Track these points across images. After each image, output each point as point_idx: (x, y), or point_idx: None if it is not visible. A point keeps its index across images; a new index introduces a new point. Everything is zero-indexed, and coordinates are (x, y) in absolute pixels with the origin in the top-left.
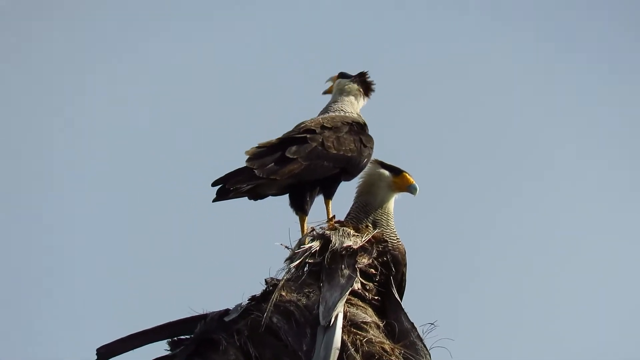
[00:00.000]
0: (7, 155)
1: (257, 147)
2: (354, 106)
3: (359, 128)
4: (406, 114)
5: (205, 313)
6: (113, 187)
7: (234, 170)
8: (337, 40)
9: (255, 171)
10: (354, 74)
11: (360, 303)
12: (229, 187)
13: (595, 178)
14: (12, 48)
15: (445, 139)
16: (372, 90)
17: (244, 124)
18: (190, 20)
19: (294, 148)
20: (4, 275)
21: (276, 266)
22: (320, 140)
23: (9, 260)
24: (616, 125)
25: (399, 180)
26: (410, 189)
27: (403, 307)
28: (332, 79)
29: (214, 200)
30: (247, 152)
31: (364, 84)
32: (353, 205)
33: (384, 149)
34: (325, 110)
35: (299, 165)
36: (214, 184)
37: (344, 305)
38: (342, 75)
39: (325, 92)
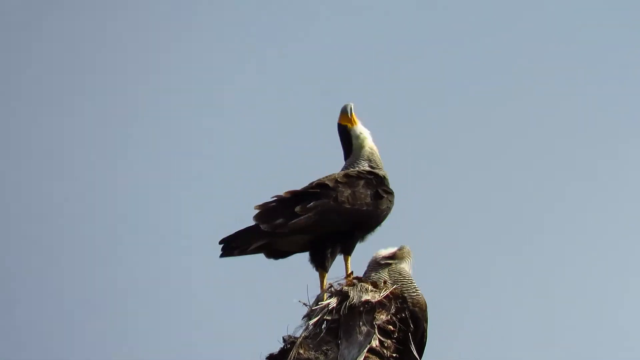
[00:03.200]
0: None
1: (267, 202)
2: (375, 156)
3: (377, 181)
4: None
5: None
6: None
7: (242, 229)
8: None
9: (262, 227)
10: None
11: None
12: (235, 245)
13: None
14: None
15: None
16: None
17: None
18: None
19: (304, 203)
20: None
21: (294, 324)
22: (334, 195)
23: None
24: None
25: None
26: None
27: None
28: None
29: (220, 256)
30: (256, 207)
31: None
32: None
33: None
34: (347, 165)
35: (307, 220)
36: (220, 242)
37: None
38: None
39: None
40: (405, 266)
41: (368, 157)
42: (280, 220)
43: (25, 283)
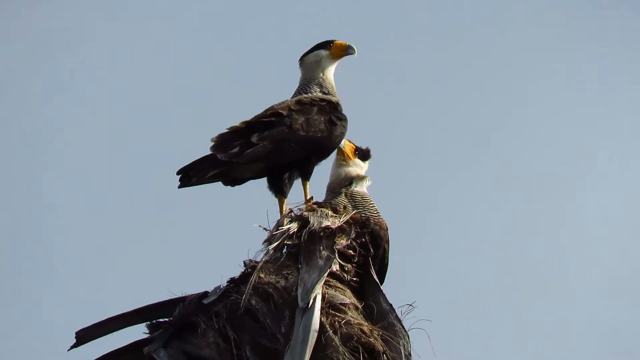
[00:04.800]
0: None
1: (222, 133)
2: (327, 80)
3: (330, 107)
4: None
5: (183, 296)
6: (94, 170)
7: (199, 158)
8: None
9: (218, 156)
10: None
11: (338, 285)
12: (192, 174)
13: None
14: None
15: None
16: (349, 53)
17: (223, 101)
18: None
19: (259, 133)
20: None
21: (255, 248)
22: (289, 123)
23: None
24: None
25: (335, 49)
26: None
27: (381, 288)
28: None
29: (178, 187)
30: (212, 139)
31: (334, 48)
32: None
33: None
34: (299, 90)
35: (263, 149)
36: (178, 173)
37: (323, 287)
38: (316, 48)
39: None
40: (363, 186)
41: (320, 82)
42: (236, 150)
43: None
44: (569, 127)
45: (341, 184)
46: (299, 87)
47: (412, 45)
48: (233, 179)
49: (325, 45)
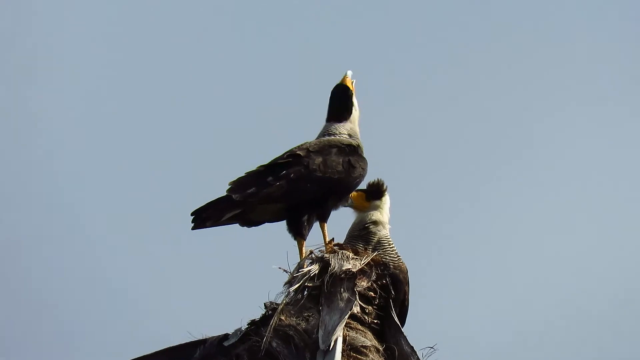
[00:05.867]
0: None
1: (240, 176)
2: (349, 127)
3: (350, 150)
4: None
5: (204, 338)
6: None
7: (214, 200)
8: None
9: (233, 196)
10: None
11: (359, 327)
12: (206, 216)
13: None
14: None
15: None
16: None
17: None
18: None
19: (274, 173)
20: None
21: (275, 290)
22: (306, 163)
23: None
24: None
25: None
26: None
27: (402, 330)
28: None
29: (192, 229)
30: (230, 183)
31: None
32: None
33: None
34: (321, 134)
35: (278, 188)
36: (192, 214)
37: (344, 329)
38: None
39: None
40: (385, 228)
41: (351, 127)
42: (252, 190)
43: None
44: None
45: (357, 229)
46: (323, 130)
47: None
48: (250, 221)
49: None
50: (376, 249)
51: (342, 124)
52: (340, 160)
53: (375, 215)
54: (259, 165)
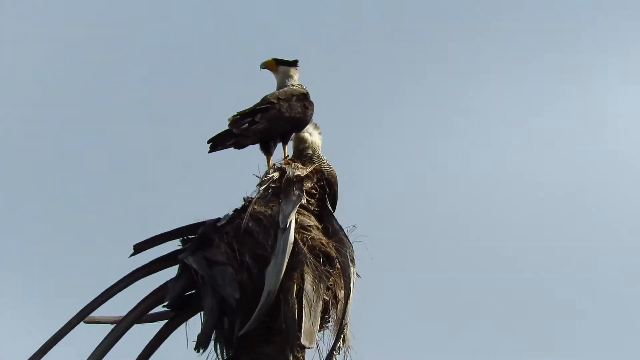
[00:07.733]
0: None
1: (234, 115)
2: (296, 81)
3: (302, 97)
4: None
5: (204, 220)
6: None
7: (222, 132)
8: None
9: (234, 130)
10: (287, 59)
11: (306, 212)
12: (217, 143)
13: None
14: None
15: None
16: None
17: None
18: None
19: (260, 114)
20: None
21: (251, 189)
22: (278, 108)
23: None
24: None
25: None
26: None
27: (334, 215)
28: (267, 64)
29: (209, 152)
30: (229, 119)
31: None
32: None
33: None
34: (280, 87)
35: (263, 125)
36: (208, 142)
37: (295, 214)
38: (281, 62)
39: (263, 67)
40: (318, 148)
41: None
42: (245, 125)
43: None
44: None
45: (300, 149)
46: (279, 84)
47: None
48: (241, 145)
49: (294, 63)
50: (313, 162)
51: (289, 80)
52: (299, 104)
53: (311, 138)
54: (246, 108)
